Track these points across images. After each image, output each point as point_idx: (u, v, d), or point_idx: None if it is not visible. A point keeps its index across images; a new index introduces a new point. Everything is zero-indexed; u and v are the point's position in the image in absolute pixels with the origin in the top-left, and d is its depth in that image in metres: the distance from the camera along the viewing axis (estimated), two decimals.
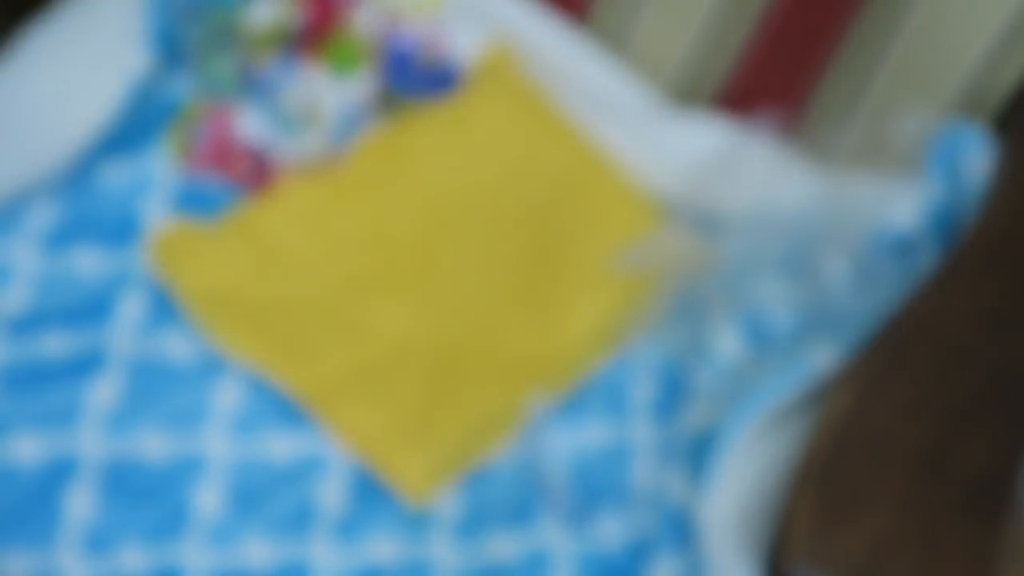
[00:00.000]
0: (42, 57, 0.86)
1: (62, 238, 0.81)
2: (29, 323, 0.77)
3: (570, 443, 0.79)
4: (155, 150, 0.84)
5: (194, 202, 0.83)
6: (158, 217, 0.82)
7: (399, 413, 0.78)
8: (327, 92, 0.88)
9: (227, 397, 0.77)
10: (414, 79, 0.90)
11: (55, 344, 0.77)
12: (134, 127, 0.85)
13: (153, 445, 0.75)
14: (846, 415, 0.69)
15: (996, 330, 0.71)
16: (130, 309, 0.79)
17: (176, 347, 0.78)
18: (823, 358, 0.74)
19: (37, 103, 0.84)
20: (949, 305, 0.73)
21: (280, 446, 0.76)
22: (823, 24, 0.88)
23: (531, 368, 0.80)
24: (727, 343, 0.79)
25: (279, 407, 0.77)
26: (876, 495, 0.67)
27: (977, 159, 0.81)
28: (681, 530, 0.74)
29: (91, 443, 0.74)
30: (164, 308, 0.79)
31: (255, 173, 0.85)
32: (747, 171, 0.85)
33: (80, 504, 0.73)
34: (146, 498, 0.73)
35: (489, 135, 0.87)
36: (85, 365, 0.76)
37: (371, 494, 0.76)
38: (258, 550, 0.73)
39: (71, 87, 0.84)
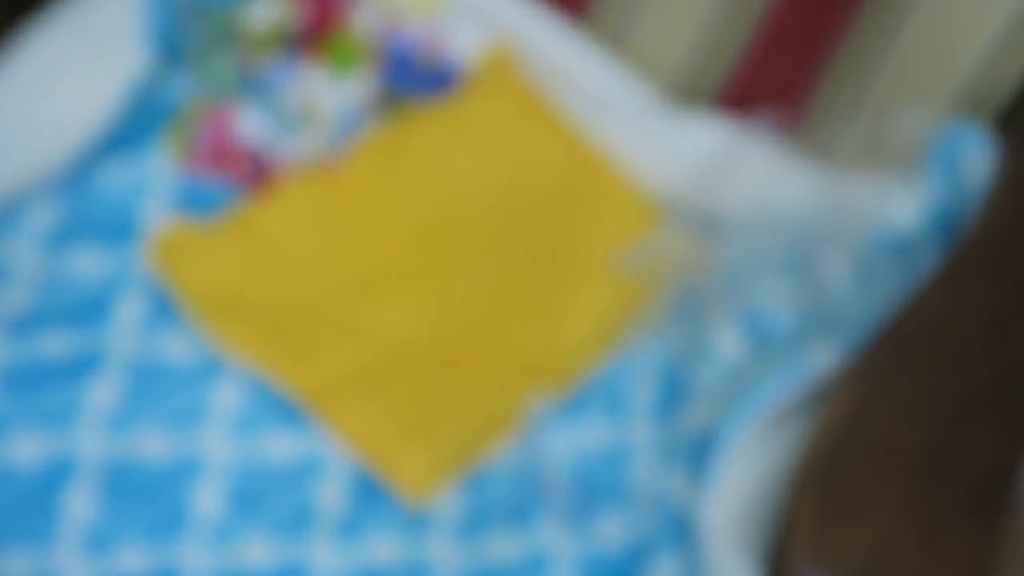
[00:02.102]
0: (41, 56, 0.85)
1: (61, 238, 0.80)
2: (28, 323, 0.77)
3: (570, 443, 0.79)
4: (155, 150, 0.84)
5: (194, 202, 0.83)
6: (158, 217, 0.82)
7: (399, 413, 0.77)
8: (327, 92, 0.88)
9: (227, 397, 0.77)
10: (414, 79, 0.89)
11: (54, 344, 0.77)
12: (134, 127, 0.85)
13: (153, 445, 0.75)
14: (847, 415, 0.69)
15: (997, 330, 0.71)
16: (129, 309, 0.79)
17: (176, 347, 0.78)
18: (824, 358, 0.74)
19: (36, 103, 0.84)
20: (950, 305, 0.72)
21: (280, 446, 0.76)
22: (823, 24, 0.88)
23: (531, 368, 0.80)
24: (727, 343, 0.79)
25: (279, 407, 0.77)
26: (877, 495, 0.67)
27: (978, 159, 0.81)
28: (681, 530, 0.74)
29: (90, 443, 0.74)
30: (164, 308, 0.79)
31: (255, 173, 0.85)
32: (747, 171, 0.85)
33: (80, 504, 0.73)
34: (146, 498, 0.73)
35: (489, 135, 0.87)
36: (84, 365, 0.76)
37: (371, 494, 0.76)
38: (258, 550, 0.73)
39: (70, 87, 0.84)
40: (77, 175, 0.82)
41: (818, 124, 0.89)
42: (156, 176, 0.83)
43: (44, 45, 0.86)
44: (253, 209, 0.83)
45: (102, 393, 0.76)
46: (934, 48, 0.85)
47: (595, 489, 0.78)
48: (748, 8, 0.89)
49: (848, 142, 0.85)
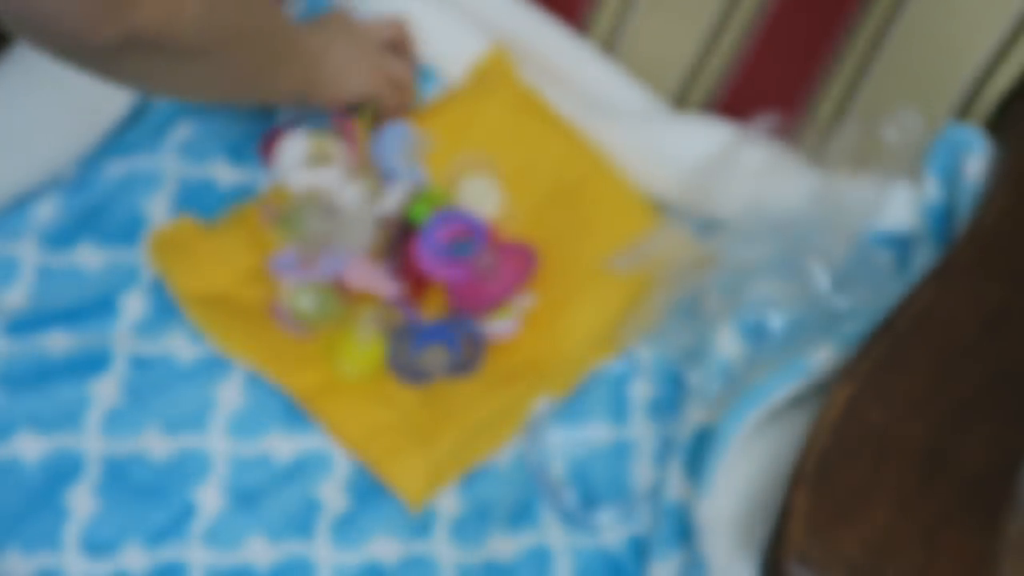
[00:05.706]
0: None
1: (66, 235, 0.80)
2: (32, 321, 0.77)
3: (570, 443, 0.79)
4: (159, 148, 0.84)
5: (197, 201, 0.83)
6: (161, 216, 0.81)
7: (398, 417, 0.77)
8: None
9: (229, 396, 0.77)
10: None
11: (58, 342, 0.77)
12: (138, 125, 0.85)
13: (155, 444, 0.75)
14: (844, 413, 0.69)
15: (993, 329, 0.71)
16: (133, 307, 0.78)
17: (178, 346, 0.78)
18: (821, 357, 0.74)
19: (42, 101, 0.84)
20: (946, 304, 0.73)
21: (281, 445, 0.76)
22: (820, 27, 0.88)
23: (531, 368, 0.80)
24: (726, 343, 0.79)
25: (280, 406, 0.77)
26: (875, 494, 0.67)
27: (974, 159, 0.82)
28: (680, 529, 0.75)
29: (93, 442, 0.74)
30: (166, 307, 0.78)
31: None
32: (745, 172, 0.85)
33: (82, 503, 0.73)
34: (148, 497, 0.73)
35: (488, 137, 0.87)
36: (88, 363, 0.76)
37: (372, 493, 0.76)
38: (259, 549, 0.73)
39: (76, 85, 0.84)
40: (82, 173, 0.82)
41: (814, 126, 0.89)
42: (160, 174, 0.83)
43: None
44: (253, 209, 0.82)
45: (105, 392, 0.75)
46: (928, 52, 0.85)
47: (595, 488, 0.78)
48: (745, 12, 0.89)
49: (844, 144, 0.85)
